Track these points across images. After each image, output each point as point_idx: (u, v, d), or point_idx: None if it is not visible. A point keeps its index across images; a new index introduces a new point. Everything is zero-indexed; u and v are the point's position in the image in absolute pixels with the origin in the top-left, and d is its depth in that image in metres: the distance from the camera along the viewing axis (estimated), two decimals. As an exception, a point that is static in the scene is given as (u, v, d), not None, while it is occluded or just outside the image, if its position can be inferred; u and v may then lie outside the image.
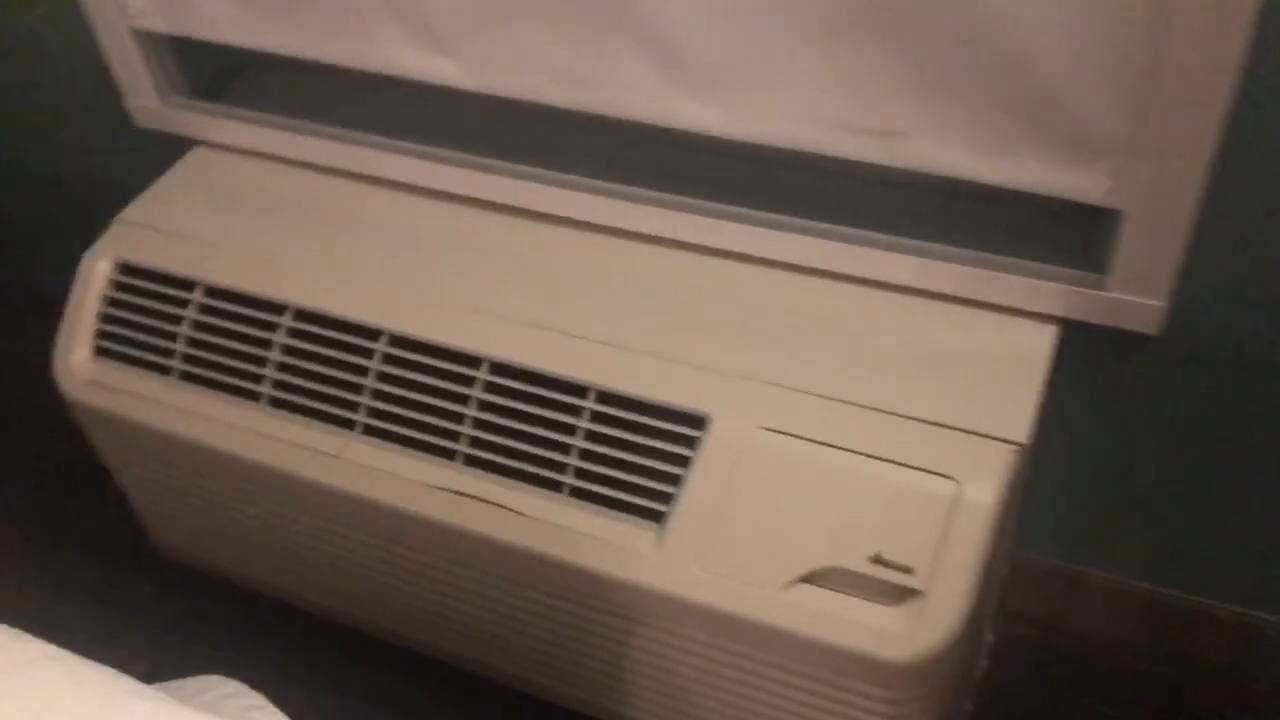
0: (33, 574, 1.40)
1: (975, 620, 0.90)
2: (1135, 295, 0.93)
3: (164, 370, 1.13)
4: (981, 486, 0.88)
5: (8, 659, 0.72)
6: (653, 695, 1.06)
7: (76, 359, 1.16)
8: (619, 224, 1.08)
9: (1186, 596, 1.17)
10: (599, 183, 1.07)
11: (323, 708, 1.23)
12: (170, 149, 1.26)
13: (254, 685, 1.24)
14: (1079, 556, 1.20)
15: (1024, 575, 1.23)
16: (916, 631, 0.87)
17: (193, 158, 1.26)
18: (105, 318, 1.15)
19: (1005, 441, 0.90)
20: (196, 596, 1.35)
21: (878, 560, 0.89)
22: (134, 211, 1.19)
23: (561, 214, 1.10)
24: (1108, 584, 1.20)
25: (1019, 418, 0.91)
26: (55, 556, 1.42)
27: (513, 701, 1.19)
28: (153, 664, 1.27)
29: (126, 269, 1.15)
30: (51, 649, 0.75)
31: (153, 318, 1.14)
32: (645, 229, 1.07)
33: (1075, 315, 0.96)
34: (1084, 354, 1.02)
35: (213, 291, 1.12)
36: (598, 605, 0.99)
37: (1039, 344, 0.97)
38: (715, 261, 1.06)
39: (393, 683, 1.25)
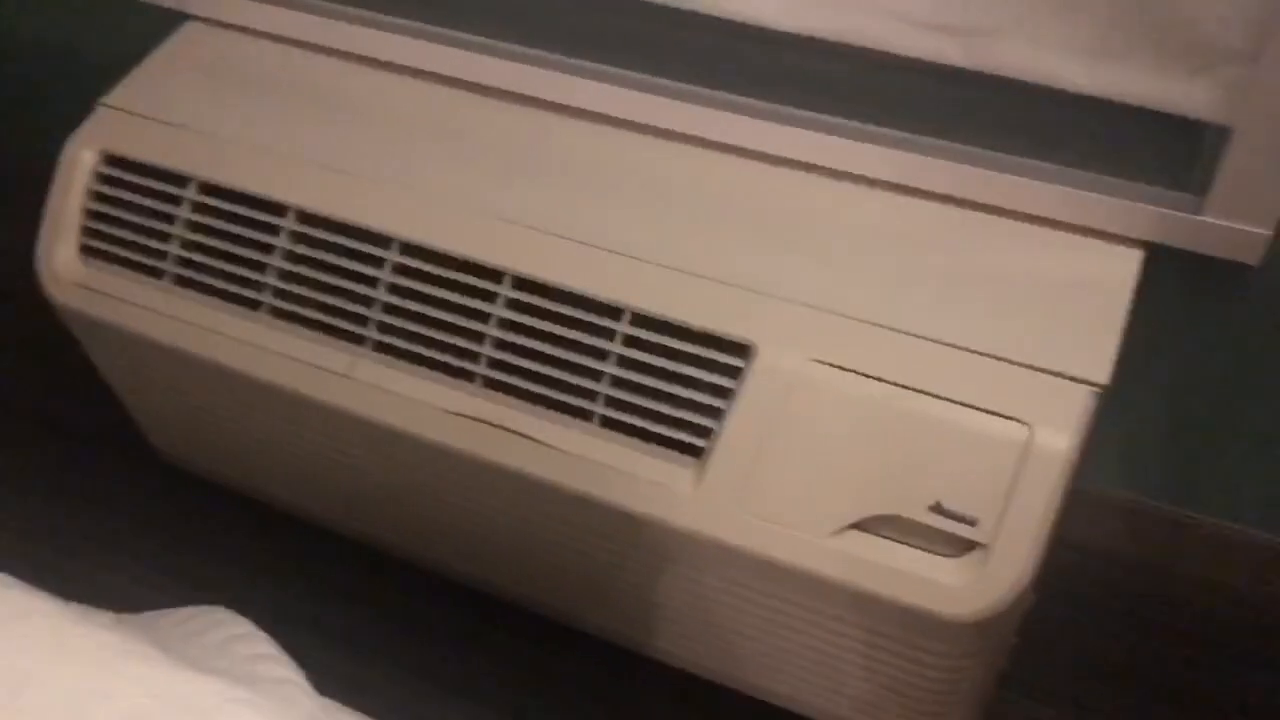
0: (29, 470, 1.33)
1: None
2: (1236, 221, 0.83)
3: (156, 273, 1.04)
4: (1056, 432, 0.80)
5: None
6: (686, 632, 1.00)
7: (61, 259, 1.06)
8: (659, 122, 0.97)
9: (1260, 533, 1.11)
10: (637, 75, 0.96)
11: (331, 624, 1.17)
12: (162, 22, 1.14)
13: (256, 596, 1.18)
14: (1145, 489, 1.13)
15: (1079, 504, 1.16)
16: (979, 587, 0.80)
17: (185, 33, 1.14)
18: (91, 214, 1.06)
19: (1084, 383, 0.81)
20: (198, 494, 1.28)
21: (938, 509, 0.81)
22: (121, 94, 1.08)
23: (596, 109, 0.99)
24: (1167, 516, 1.13)
25: (1100, 356, 0.82)
26: (52, 450, 1.35)
27: (533, 627, 1.14)
28: (152, 569, 1.22)
29: (113, 160, 1.05)
30: (36, 600, 0.68)
31: (143, 215, 1.04)
32: (688, 129, 0.96)
33: (1166, 240, 0.86)
34: (1173, 282, 0.93)
35: (208, 188, 1.02)
36: (628, 543, 0.92)
37: (1123, 271, 0.87)
38: (768, 169, 0.95)
39: (405, 600, 1.19)
